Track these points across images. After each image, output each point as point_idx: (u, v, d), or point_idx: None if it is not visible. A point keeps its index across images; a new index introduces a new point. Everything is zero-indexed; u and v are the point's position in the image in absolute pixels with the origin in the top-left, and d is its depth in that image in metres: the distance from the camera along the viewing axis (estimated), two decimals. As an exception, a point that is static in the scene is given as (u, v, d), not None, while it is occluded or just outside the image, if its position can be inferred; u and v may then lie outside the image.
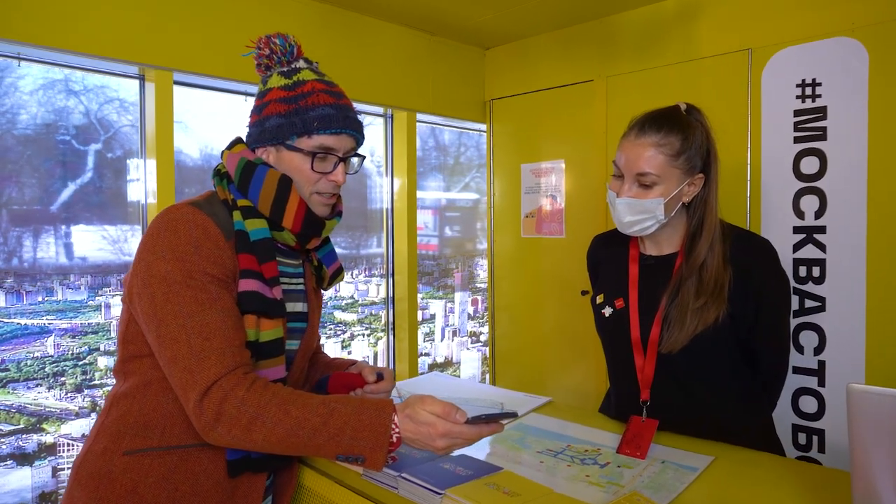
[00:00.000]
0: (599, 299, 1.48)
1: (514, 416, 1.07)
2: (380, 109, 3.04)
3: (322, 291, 1.36)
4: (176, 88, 2.20)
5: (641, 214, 1.34)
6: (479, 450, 1.27)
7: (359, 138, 1.21)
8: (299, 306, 1.24)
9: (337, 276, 1.33)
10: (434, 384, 1.74)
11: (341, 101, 1.17)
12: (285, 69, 1.19)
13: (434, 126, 3.51)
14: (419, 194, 3.19)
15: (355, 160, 1.23)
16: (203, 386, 0.98)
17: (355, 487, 1.17)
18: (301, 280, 1.26)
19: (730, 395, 1.39)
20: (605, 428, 1.40)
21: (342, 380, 1.27)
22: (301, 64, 1.20)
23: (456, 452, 1.21)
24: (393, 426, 0.98)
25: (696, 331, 1.29)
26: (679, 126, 1.32)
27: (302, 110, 1.13)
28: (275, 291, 1.11)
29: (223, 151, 1.21)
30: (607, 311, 1.44)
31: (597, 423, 1.44)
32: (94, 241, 2.20)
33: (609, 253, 1.53)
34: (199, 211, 1.07)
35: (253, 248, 1.10)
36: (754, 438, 1.35)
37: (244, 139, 1.22)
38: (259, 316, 1.08)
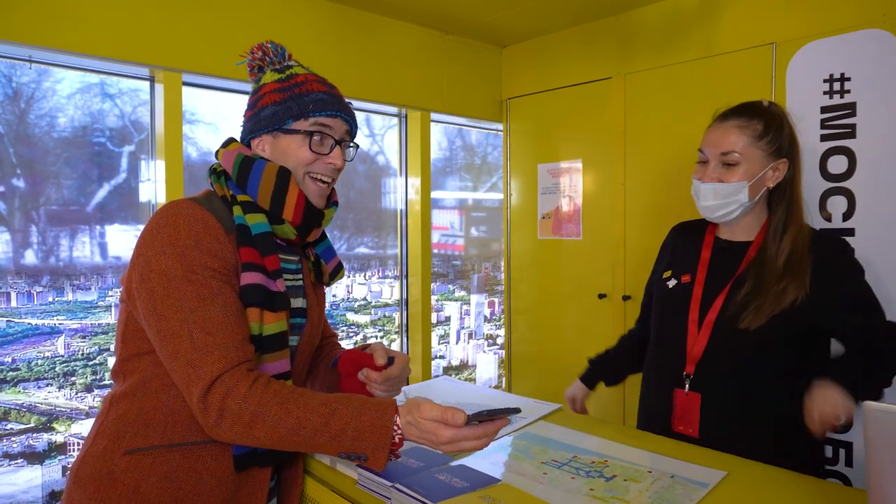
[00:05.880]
0: (666, 274, 1.54)
1: (516, 411, 1.02)
2: (394, 109, 3.01)
3: (324, 288, 1.35)
4: (204, 92, 2.23)
5: (726, 198, 1.39)
6: (480, 459, 1.23)
7: (352, 125, 1.22)
8: (299, 301, 1.23)
9: (337, 272, 1.33)
10: (443, 390, 1.70)
11: (333, 91, 1.20)
12: (278, 67, 1.21)
13: (461, 127, 3.48)
14: (444, 194, 3.16)
15: (351, 149, 1.24)
16: (206, 381, 0.97)
17: (351, 496, 1.15)
18: (300, 276, 1.26)
19: (780, 392, 1.37)
20: (615, 439, 1.35)
21: (352, 356, 1.26)
22: (293, 63, 1.23)
23: (456, 462, 1.18)
24: (395, 427, 0.97)
25: (772, 312, 1.32)
26: (761, 113, 1.40)
27: (297, 96, 1.15)
28: (278, 284, 1.10)
29: (218, 150, 1.22)
30: (671, 283, 1.51)
31: (607, 434, 1.39)
32: (127, 241, 2.27)
33: (686, 238, 1.59)
34: (199, 206, 1.07)
35: (254, 241, 1.09)
36: (794, 445, 1.34)
37: (236, 139, 1.23)
38: (262, 309, 1.08)
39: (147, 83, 2.25)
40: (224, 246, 1.05)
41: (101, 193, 2.22)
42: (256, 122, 1.17)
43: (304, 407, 0.98)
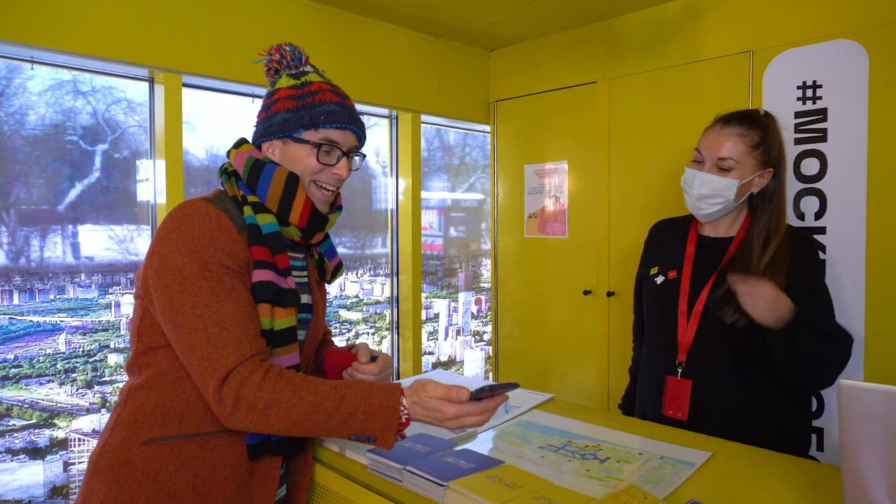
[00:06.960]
0: (653, 271, 1.63)
1: (515, 386, 1.09)
2: (385, 111, 3.07)
3: (326, 285, 1.40)
4: (183, 90, 2.24)
5: (716, 191, 1.47)
6: (482, 444, 1.29)
7: (361, 136, 1.26)
8: (305, 298, 1.28)
9: (338, 270, 1.38)
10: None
11: (346, 101, 1.24)
12: (294, 72, 1.25)
13: (440, 127, 3.54)
14: (424, 195, 3.21)
15: (357, 158, 1.28)
16: (222, 373, 1.01)
17: (361, 481, 1.19)
18: (305, 273, 1.30)
19: (766, 380, 1.46)
20: (605, 424, 1.43)
21: (336, 357, 1.31)
22: (309, 69, 1.27)
23: (460, 447, 1.25)
24: (402, 408, 1.03)
25: None
26: (758, 124, 1.49)
27: (309, 106, 1.18)
28: (288, 281, 1.15)
29: (229, 150, 1.26)
30: (659, 280, 1.60)
31: (598, 420, 1.46)
32: (100, 241, 2.24)
33: (669, 235, 1.68)
34: (213, 205, 1.11)
35: (265, 240, 1.14)
36: (779, 426, 1.44)
37: (248, 140, 1.27)
38: (273, 305, 1.12)
39: (121, 81, 2.23)
40: (237, 244, 1.10)
41: (74, 193, 2.17)
42: (268, 127, 1.21)
43: (316, 393, 1.02)
